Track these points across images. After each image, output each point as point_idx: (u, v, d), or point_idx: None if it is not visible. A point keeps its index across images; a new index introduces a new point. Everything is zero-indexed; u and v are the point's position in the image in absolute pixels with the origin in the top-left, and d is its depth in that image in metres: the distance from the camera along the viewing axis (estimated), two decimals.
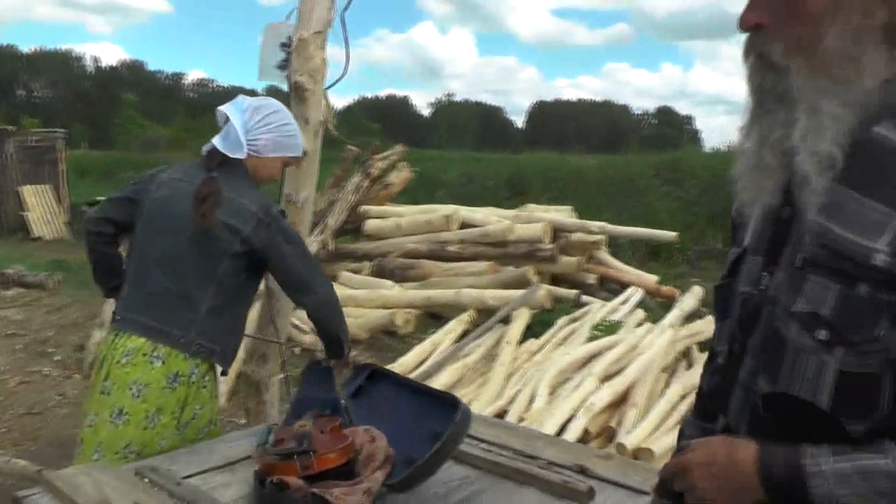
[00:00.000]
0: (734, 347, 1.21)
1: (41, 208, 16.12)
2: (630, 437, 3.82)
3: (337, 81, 3.29)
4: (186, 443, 2.42)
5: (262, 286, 2.77)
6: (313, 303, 2.54)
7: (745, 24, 1.14)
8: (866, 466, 1.01)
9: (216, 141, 2.52)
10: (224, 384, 5.41)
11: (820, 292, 1.05)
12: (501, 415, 4.25)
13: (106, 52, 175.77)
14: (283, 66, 3.29)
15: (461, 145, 48.67)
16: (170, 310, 2.42)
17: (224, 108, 2.58)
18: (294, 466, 1.84)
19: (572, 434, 3.80)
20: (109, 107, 64.67)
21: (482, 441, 2.24)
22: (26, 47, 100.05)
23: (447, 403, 2.04)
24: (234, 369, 5.54)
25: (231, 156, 2.50)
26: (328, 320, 2.60)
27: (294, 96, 3.17)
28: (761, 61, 1.14)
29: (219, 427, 2.63)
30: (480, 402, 4.44)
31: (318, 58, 3.16)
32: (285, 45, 3.27)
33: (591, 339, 5.49)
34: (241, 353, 5.51)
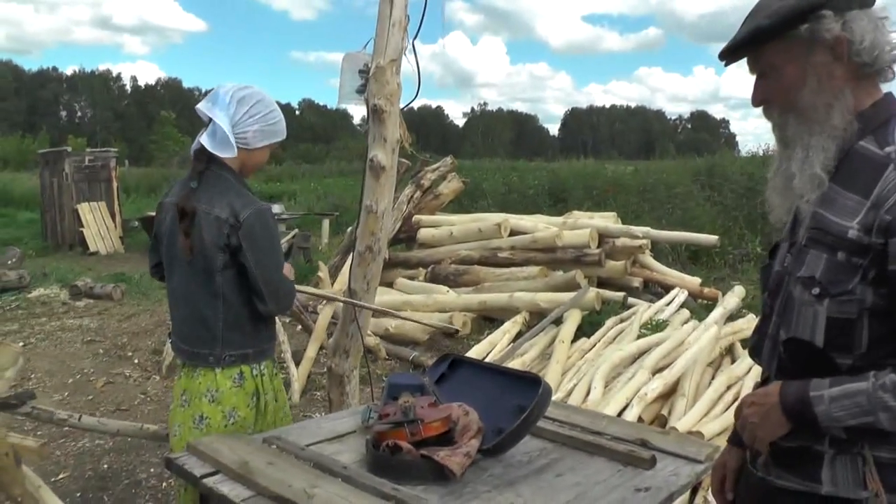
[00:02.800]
0: (766, 311, 1.64)
1: (96, 224, 16.69)
2: (681, 422, 4.10)
3: (410, 103, 3.62)
4: (269, 425, 2.70)
5: (344, 287, 2.99)
6: (271, 311, 2.57)
7: (754, 103, 1.60)
8: (851, 389, 1.40)
9: (204, 140, 2.52)
10: (296, 382, 5.79)
11: (815, 261, 1.46)
12: None
13: (143, 70, 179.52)
14: (362, 90, 3.62)
15: (495, 154, 48.81)
16: (193, 335, 2.56)
17: (202, 107, 2.55)
18: (404, 433, 2.14)
19: None
20: (149, 124, 66.04)
21: (554, 420, 2.51)
22: (67, 69, 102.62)
23: (529, 381, 2.36)
24: (302, 371, 5.94)
25: (221, 155, 2.50)
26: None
27: (373, 118, 3.50)
28: (772, 122, 1.58)
29: (283, 399, 2.82)
30: None
31: (393, 83, 3.48)
32: (363, 72, 3.60)
33: (640, 337, 5.75)
34: (310, 352, 5.93)
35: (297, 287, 3.56)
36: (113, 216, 17.12)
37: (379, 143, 3.47)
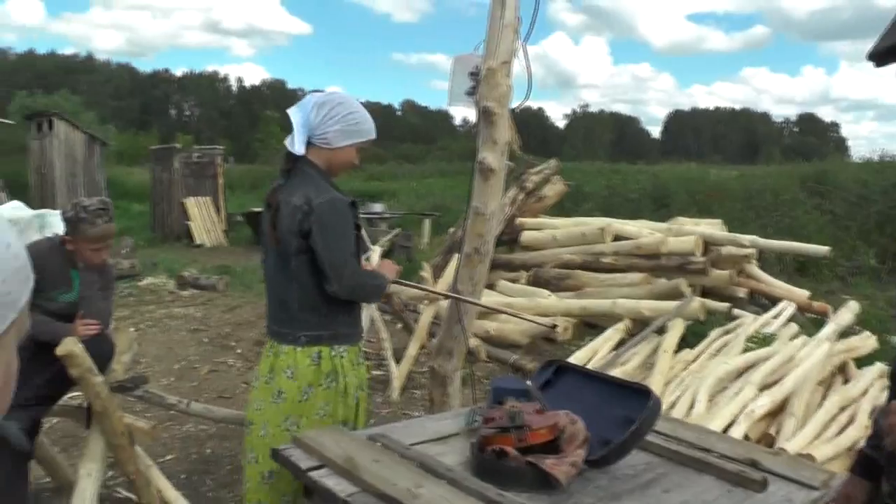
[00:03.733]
0: None
1: (202, 218, 17.33)
2: (791, 444, 3.94)
3: (521, 104, 3.59)
4: (352, 408, 2.79)
5: (448, 287, 3.01)
6: (336, 292, 2.66)
7: None
8: None
9: (286, 141, 2.73)
10: (396, 380, 5.85)
11: None
12: None
13: (249, 72, 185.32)
14: (472, 92, 3.61)
15: (596, 156, 48.26)
16: (278, 315, 2.76)
17: (290, 110, 2.75)
18: (511, 439, 2.12)
19: None
20: (253, 123, 68.08)
21: (660, 433, 2.45)
22: (178, 71, 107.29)
23: (637, 392, 2.30)
24: (403, 369, 5.99)
25: (294, 153, 2.67)
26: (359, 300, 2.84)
27: (483, 120, 3.49)
28: None
29: (367, 390, 2.92)
30: None
31: (504, 85, 3.46)
32: (474, 75, 3.59)
33: (746, 350, 5.56)
34: (411, 350, 5.99)
35: (408, 283, 3.65)
36: (218, 210, 17.77)
37: (489, 145, 3.46)
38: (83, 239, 3.31)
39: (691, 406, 4.47)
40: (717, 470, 2.18)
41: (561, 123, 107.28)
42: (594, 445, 2.19)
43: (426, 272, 6.77)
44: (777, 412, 4.49)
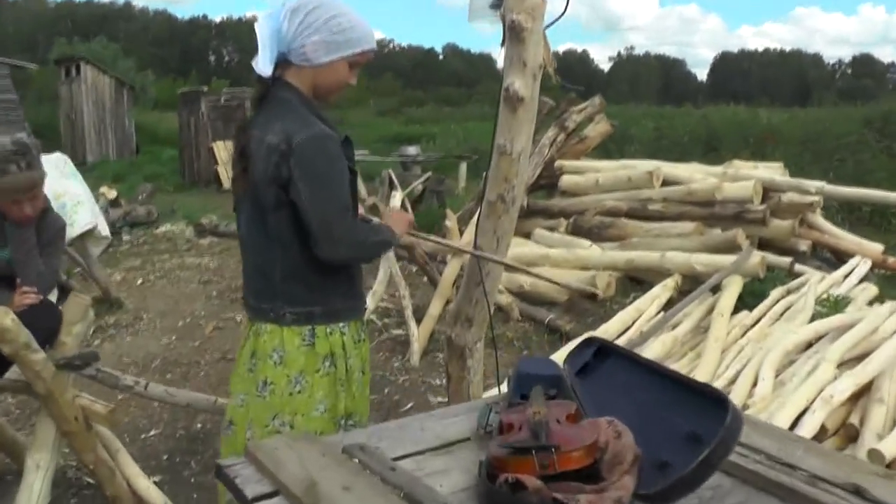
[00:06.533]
0: None
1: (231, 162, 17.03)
2: (886, 443, 3.21)
3: (556, 20, 2.92)
4: (354, 398, 2.23)
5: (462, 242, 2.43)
6: (327, 256, 2.10)
7: None
8: None
9: (253, 62, 2.13)
10: (416, 343, 5.27)
11: None
12: None
13: None
14: (497, 4, 2.97)
15: (642, 99, 47.18)
16: (256, 286, 2.21)
17: (256, 23, 2.17)
18: (531, 463, 1.53)
19: (807, 430, 3.26)
20: None
21: None
22: (216, 17, 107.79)
23: (708, 399, 1.67)
24: (424, 330, 5.40)
25: (262, 75, 2.08)
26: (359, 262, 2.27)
27: (509, 37, 2.83)
28: None
29: (368, 372, 2.36)
30: None
31: None
32: None
33: (816, 316, 4.83)
34: (433, 309, 5.41)
35: (423, 236, 3.14)
36: None
37: (517, 69, 2.79)
38: None
39: (754, 384, 3.81)
40: (809, 501, 1.57)
41: (606, 67, 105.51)
42: (647, 470, 1.57)
43: (451, 221, 6.11)
44: (859, 394, 3.74)
